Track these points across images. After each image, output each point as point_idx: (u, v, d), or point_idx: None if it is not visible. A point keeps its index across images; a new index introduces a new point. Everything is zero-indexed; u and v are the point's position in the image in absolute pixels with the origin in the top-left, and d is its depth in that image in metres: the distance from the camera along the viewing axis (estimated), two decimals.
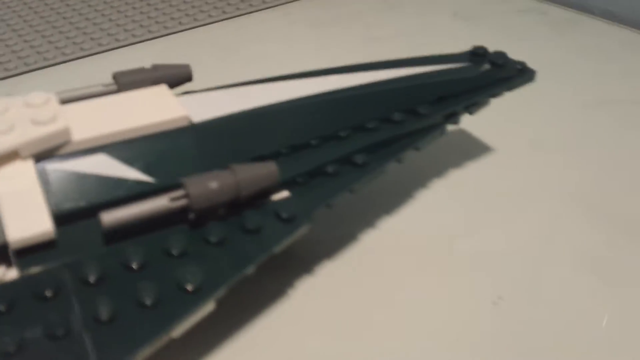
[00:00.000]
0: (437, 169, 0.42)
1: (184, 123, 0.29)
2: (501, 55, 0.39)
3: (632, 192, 0.40)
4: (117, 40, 0.59)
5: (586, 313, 0.31)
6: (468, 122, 0.41)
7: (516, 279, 0.33)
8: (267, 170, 0.28)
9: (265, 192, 0.28)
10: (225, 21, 0.64)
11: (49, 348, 0.23)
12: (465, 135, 0.45)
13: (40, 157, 0.26)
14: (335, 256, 0.35)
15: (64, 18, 0.63)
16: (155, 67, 0.34)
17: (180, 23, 0.62)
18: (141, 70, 0.33)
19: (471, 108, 0.37)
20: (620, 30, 0.61)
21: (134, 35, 0.59)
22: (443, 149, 0.43)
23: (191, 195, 0.26)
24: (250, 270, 0.27)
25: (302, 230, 0.28)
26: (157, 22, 0.62)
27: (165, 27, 0.61)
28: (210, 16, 0.63)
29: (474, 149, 0.44)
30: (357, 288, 0.33)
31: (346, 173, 0.31)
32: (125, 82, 0.32)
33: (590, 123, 0.47)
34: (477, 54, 0.39)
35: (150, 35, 0.60)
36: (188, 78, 0.34)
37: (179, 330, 0.25)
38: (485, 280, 0.33)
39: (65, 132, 0.27)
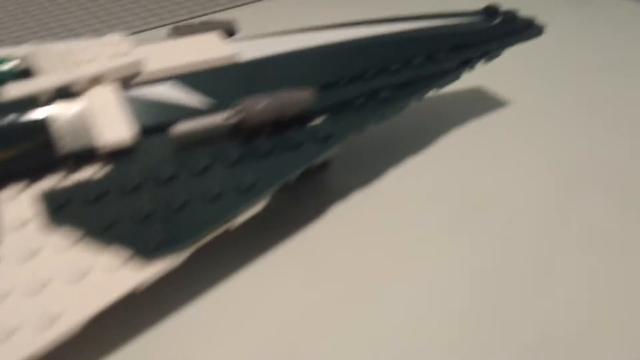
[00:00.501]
0: (461, 120, 0.47)
1: (234, 60, 0.35)
2: (512, 12, 0.44)
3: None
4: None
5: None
6: (491, 80, 0.46)
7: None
8: (306, 95, 0.33)
9: (305, 117, 0.34)
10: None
11: (132, 225, 0.29)
12: (488, 92, 0.50)
13: (120, 83, 0.32)
14: (365, 188, 0.40)
15: None
16: (205, 23, 0.39)
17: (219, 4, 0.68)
18: (194, 25, 0.39)
19: (485, 56, 0.42)
20: (631, 4, 0.65)
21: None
22: (468, 102, 0.49)
23: (244, 112, 0.31)
24: (291, 178, 0.32)
25: (334, 149, 0.34)
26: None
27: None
28: None
29: (494, 103, 0.49)
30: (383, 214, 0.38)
31: (373, 106, 0.36)
32: (183, 32, 0.38)
33: (604, 84, 0.51)
34: (490, 11, 0.43)
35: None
36: (232, 32, 0.40)
37: (234, 222, 0.31)
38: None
39: (139, 63, 0.32)
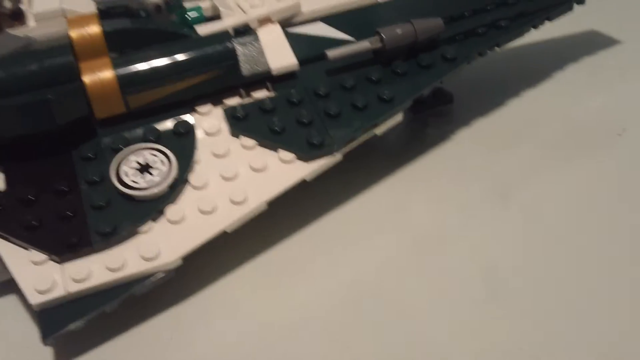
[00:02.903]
0: (574, 59, 0.51)
1: (374, 0, 0.41)
2: None
3: None
4: None
5: None
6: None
7: None
8: (436, 22, 0.39)
9: (435, 42, 0.40)
10: None
11: (298, 130, 0.36)
12: (600, 34, 0.54)
13: (283, 22, 0.40)
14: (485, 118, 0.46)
15: None
16: None
17: None
18: None
19: None
20: None
21: None
22: (581, 43, 0.53)
23: (384, 38, 0.38)
24: (423, 93, 0.38)
25: (461, 68, 0.39)
26: None
27: None
28: None
29: (605, 44, 0.52)
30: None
31: (493, 33, 0.41)
32: None
33: None
34: None
35: None
36: None
37: (381, 128, 0.38)
38: None
39: (298, 6, 0.40)
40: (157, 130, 0.36)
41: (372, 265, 0.37)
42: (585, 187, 0.41)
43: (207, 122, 0.37)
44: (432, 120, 0.46)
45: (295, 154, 0.36)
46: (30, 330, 0.34)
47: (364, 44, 0.38)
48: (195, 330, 0.34)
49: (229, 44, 0.37)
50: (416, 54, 0.39)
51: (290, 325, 0.34)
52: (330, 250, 0.38)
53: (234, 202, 0.34)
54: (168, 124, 0.37)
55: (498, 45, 0.41)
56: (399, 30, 0.38)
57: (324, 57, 0.38)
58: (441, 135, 0.45)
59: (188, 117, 0.37)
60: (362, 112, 0.37)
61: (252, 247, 0.38)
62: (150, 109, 0.36)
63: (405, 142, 0.45)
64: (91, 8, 0.37)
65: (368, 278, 0.37)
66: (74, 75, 0.34)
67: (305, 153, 0.36)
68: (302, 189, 0.36)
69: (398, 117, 0.38)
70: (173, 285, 0.35)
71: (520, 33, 0.42)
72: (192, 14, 0.39)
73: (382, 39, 0.38)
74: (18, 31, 0.36)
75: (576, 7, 0.45)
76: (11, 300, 0.36)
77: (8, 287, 0.35)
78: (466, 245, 0.38)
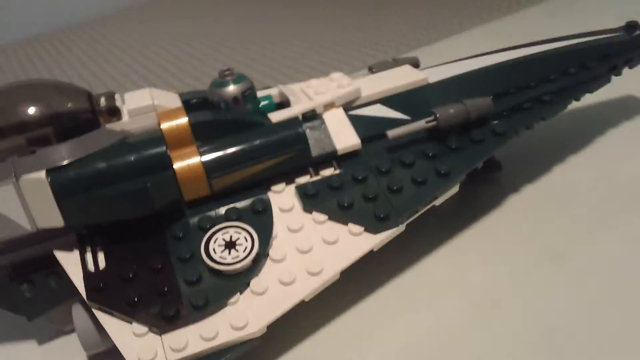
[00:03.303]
0: (614, 123, 0.55)
1: (425, 83, 0.45)
2: None
3: None
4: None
5: None
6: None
7: None
8: (486, 101, 0.43)
9: (485, 119, 0.43)
10: None
11: (365, 205, 0.40)
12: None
13: (345, 106, 0.44)
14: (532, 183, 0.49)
15: None
16: (396, 60, 0.50)
17: None
18: (387, 62, 0.50)
19: (629, 63, 0.49)
20: None
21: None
22: (620, 108, 0.56)
23: (439, 117, 0.42)
24: (477, 165, 0.42)
25: (510, 140, 0.43)
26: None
27: None
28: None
29: None
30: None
31: (538, 107, 0.45)
32: (379, 68, 0.49)
33: None
34: (630, 25, 0.51)
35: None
36: (417, 65, 0.50)
37: (439, 200, 0.41)
38: None
39: (358, 91, 0.44)
40: (238, 209, 0.40)
41: (429, 329, 0.40)
42: (634, 249, 0.43)
43: (282, 200, 0.41)
44: (483, 187, 0.49)
45: (363, 226, 0.39)
46: None
47: (420, 124, 0.42)
48: None
49: (300, 129, 0.41)
50: (468, 130, 0.43)
51: None
52: (392, 315, 0.41)
53: (310, 273, 0.38)
54: (247, 203, 0.41)
55: (544, 118, 0.45)
56: (451, 110, 0.42)
57: (383, 135, 0.42)
58: (491, 201, 0.48)
59: (264, 196, 0.41)
60: (423, 186, 0.41)
61: (324, 314, 0.41)
62: (231, 190, 0.41)
63: (458, 209, 0.49)
64: (176, 101, 0.42)
65: (426, 341, 0.39)
66: (168, 164, 0.39)
67: (373, 226, 0.39)
68: (365, 257, 0.40)
69: (455, 189, 0.42)
70: (258, 352, 0.38)
71: (564, 106, 0.46)
72: (264, 103, 0.44)
73: (436, 118, 0.42)
74: (115, 125, 0.41)
75: (613, 77, 0.49)
76: None
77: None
78: (520, 307, 0.40)
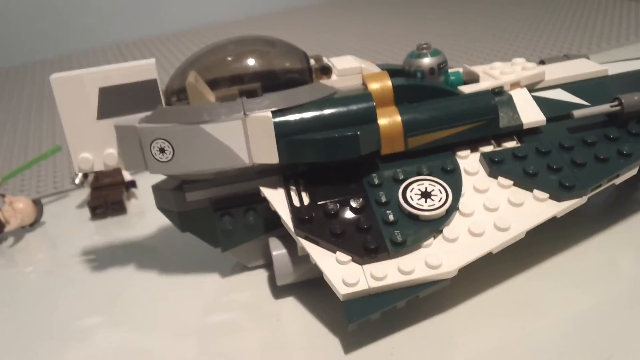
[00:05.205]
0: None
1: (605, 74, 0.48)
2: None
3: None
4: None
5: None
6: None
7: None
8: None
9: None
10: None
11: (549, 174, 0.43)
12: None
13: (529, 87, 0.47)
14: None
15: None
16: (565, 55, 0.53)
17: None
18: (557, 57, 0.53)
19: None
20: None
21: None
22: None
23: (623, 103, 0.44)
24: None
25: None
26: None
27: None
28: None
29: None
30: None
31: None
32: (549, 62, 0.52)
33: None
34: None
35: None
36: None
37: (620, 179, 0.43)
38: None
39: (543, 74, 0.47)
40: (430, 166, 0.44)
41: (583, 310, 0.41)
42: None
43: (468, 164, 0.44)
44: None
45: (548, 194, 0.42)
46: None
47: (605, 107, 0.45)
48: (458, 336, 0.40)
49: (492, 101, 0.44)
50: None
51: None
52: (548, 291, 0.43)
53: (498, 229, 0.41)
54: (437, 162, 0.44)
55: None
56: (636, 97, 0.45)
57: (564, 117, 0.45)
58: None
59: (453, 158, 0.44)
60: (605, 164, 0.43)
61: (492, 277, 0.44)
62: (422, 150, 0.44)
63: (615, 204, 0.51)
64: (376, 69, 0.47)
65: (579, 322, 0.40)
66: (375, 118, 0.43)
67: (558, 194, 0.42)
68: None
69: (634, 171, 0.44)
70: (443, 294, 0.41)
71: None
72: (453, 78, 0.48)
73: (621, 103, 0.45)
74: (326, 81, 0.45)
75: None
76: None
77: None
78: None
